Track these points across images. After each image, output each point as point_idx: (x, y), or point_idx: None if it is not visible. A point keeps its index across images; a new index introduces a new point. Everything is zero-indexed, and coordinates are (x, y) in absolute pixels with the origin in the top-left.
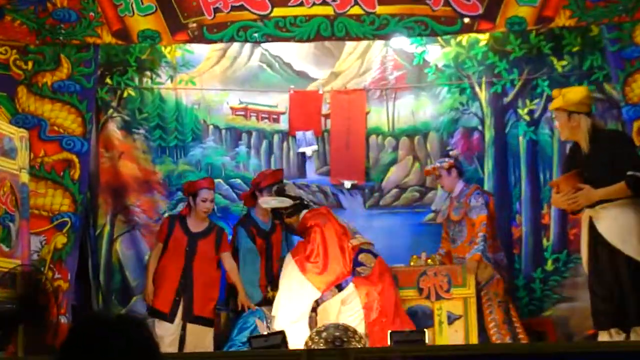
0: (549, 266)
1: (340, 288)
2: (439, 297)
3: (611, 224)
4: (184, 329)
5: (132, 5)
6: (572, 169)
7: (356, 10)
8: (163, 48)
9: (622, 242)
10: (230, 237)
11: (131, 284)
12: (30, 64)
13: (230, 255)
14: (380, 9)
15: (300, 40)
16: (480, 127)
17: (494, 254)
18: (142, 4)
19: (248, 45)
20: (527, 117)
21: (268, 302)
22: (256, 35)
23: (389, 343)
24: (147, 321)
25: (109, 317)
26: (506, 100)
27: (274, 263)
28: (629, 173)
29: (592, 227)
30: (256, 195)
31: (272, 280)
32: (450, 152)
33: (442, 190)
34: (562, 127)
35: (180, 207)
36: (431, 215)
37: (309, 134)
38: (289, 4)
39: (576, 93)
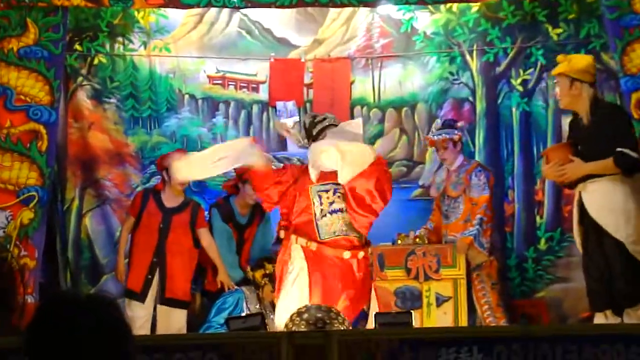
0: (542, 245)
1: None
2: (427, 278)
3: (596, 200)
4: (156, 310)
5: None
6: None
7: None
8: (136, 12)
9: (604, 219)
10: (207, 214)
11: (101, 262)
12: None
13: (207, 232)
14: None
15: (282, 6)
16: (471, 98)
17: (490, 237)
18: None
19: (226, 11)
20: (520, 88)
21: (248, 281)
22: None
23: (373, 325)
24: (117, 301)
25: (78, 296)
26: (498, 69)
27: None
28: (618, 149)
29: (581, 203)
30: (239, 187)
31: (251, 260)
32: (457, 124)
33: (444, 163)
34: (562, 94)
35: (155, 181)
36: (419, 190)
37: (290, 104)
38: None
39: (582, 60)
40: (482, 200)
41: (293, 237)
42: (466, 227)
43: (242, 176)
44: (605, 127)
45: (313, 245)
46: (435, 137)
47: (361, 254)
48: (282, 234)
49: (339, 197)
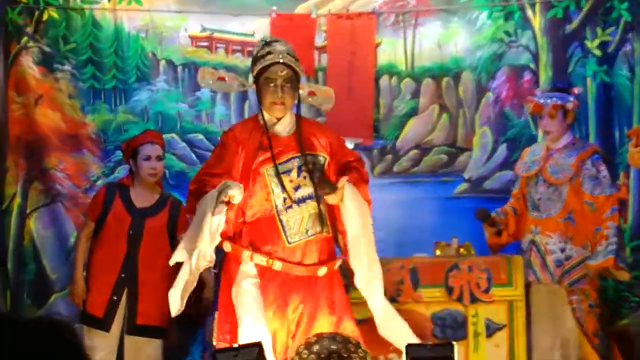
0: (628, 256)
1: None
2: (474, 300)
3: None
4: (122, 340)
5: None
6: None
7: None
8: None
9: None
10: None
11: (50, 276)
12: None
13: None
14: None
15: None
16: (532, 65)
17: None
18: None
19: None
20: (597, 52)
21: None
22: None
23: (404, 358)
24: (73, 326)
25: (21, 321)
26: (569, 28)
27: None
28: None
29: None
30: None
31: None
32: (574, 89)
33: (546, 138)
34: None
35: (121, 172)
36: (464, 185)
37: None
38: None
39: None
40: (611, 201)
41: (246, 252)
42: (568, 230)
43: None
44: None
45: (277, 265)
46: (542, 101)
47: (337, 263)
48: (227, 246)
49: (304, 177)
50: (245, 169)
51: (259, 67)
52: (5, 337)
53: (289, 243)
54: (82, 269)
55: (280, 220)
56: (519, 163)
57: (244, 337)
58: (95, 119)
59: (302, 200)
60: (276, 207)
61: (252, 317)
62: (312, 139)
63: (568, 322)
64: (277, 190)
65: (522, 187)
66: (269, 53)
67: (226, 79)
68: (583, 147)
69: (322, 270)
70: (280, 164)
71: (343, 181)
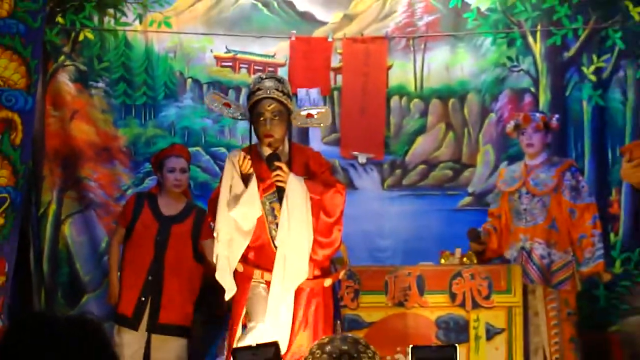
0: (617, 268)
1: None
2: (476, 306)
3: None
4: (150, 339)
5: None
6: None
7: None
8: None
9: None
10: None
11: (82, 279)
12: None
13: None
14: None
15: None
16: (533, 89)
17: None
18: None
19: None
20: (593, 78)
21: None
22: None
23: (410, 358)
24: (103, 325)
25: (54, 319)
26: (567, 55)
27: None
28: None
29: None
30: None
31: None
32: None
33: (526, 150)
34: None
35: (149, 183)
36: (468, 199)
37: (314, 92)
38: None
39: None
40: (592, 210)
41: (257, 271)
42: (551, 235)
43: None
44: None
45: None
46: (530, 113)
47: (322, 281)
48: (239, 267)
49: None
50: None
51: (249, 103)
52: (42, 334)
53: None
54: (117, 272)
55: (275, 247)
56: (499, 181)
57: (260, 336)
58: (126, 133)
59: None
60: (270, 232)
61: (262, 320)
62: (304, 166)
63: (543, 327)
64: (270, 217)
65: (504, 203)
66: (258, 89)
67: (231, 106)
68: (560, 162)
69: (328, 281)
70: (271, 193)
71: (285, 166)
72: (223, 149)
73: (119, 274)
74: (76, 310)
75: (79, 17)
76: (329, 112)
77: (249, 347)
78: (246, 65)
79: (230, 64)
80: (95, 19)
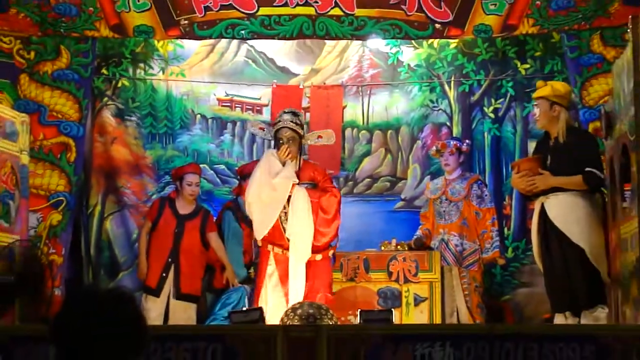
0: (509, 253)
1: None
2: (406, 281)
3: (561, 211)
4: (168, 304)
5: (128, 2)
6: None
7: (336, 11)
8: (156, 42)
9: (568, 228)
10: (215, 219)
11: (119, 260)
12: (32, 53)
13: (216, 235)
14: (358, 12)
15: (284, 38)
16: (448, 123)
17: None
18: (138, 1)
19: (235, 42)
20: (492, 115)
21: (251, 280)
22: (243, 32)
23: (358, 321)
24: (135, 295)
25: (100, 290)
26: (473, 98)
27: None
28: (587, 169)
29: (543, 214)
30: (242, 186)
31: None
32: (466, 141)
33: (445, 169)
34: (542, 115)
35: (168, 190)
36: (401, 203)
37: None
38: (274, 3)
39: (562, 87)
40: (492, 212)
41: (270, 246)
42: (463, 230)
43: (243, 175)
44: (577, 148)
45: (282, 252)
46: (446, 141)
47: (318, 256)
48: (259, 241)
49: None
50: None
51: (273, 130)
52: (90, 301)
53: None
54: (145, 255)
55: (284, 228)
56: (426, 191)
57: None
58: (152, 154)
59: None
60: (280, 218)
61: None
62: (309, 175)
63: (458, 296)
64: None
65: (431, 207)
66: (279, 121)
67: (264, 129)
68: (470, 176)
69: (319, 256)
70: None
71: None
72: (222, 166)
73: (146, 256)
74: (114, 283)
75: (118, 69)
76: (332, 133)
77: (241, 311)
78: (240, 105)
79: (228, 104)
80: (130, 70)
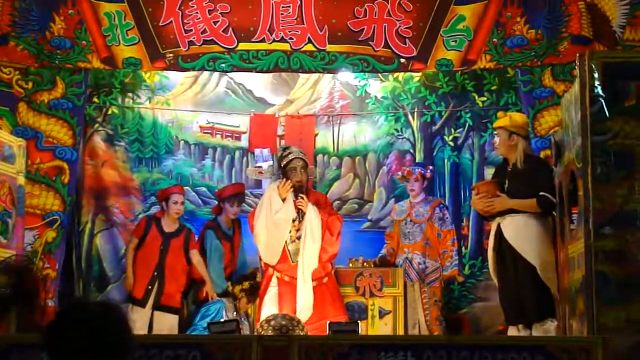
0: (467, 270)
1: None
2: (372, 295)
3: (515, 231)
4: (153, 315)
5: (118, 37)
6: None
7: (309, 47)
8: (144, 73)
9: (522, 247)
10: (197, 238)
11: (108, 274)
12: (30, 83)
13: (197, 252)
14: (329, 47)
15: (261, 71)
16: (412, 151)
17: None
18: (127, 35)
19: (216, 74)
20: (451, 143)
21: (228, 294)
22: (224, 65)
23: (327, 332)
24: (122, 306)
25: (90, 302)
26: (434, 128)
27: (235, 261)
28: (541, 193)
29: (499, 233)
30: (221, 206)
31: (234, 276)
32: (429, 168)
33: (410, 194)
34: (501, 144)
35: (154, 209)
36: (368, 223)
37: (266, 151)
38: (253, 39)
39: (520, 117)
40: (452, 234)
41: (270, 269)
42: (426, 249)
43: (222, 198)
44: (532, 174)
45: (286, 277)
46: (411, 168)
47: (325, 279)
48: (263, 264)
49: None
50: None
51: (285, 160)
52: (81, 312)
53: (293, 263)
54: (131, 269)
55: (288, 251)
56: (392, 213)
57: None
58: (139, 177)
59: (298, 238)
60: (285, 241)
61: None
62: (314, 198)
63: (419, 310)
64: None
65: (396, 228)
66: (290, 153)
67: (263, 172)
68: (433, 200)
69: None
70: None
71: (305, 197)
72: (204, 188)
73: (132, 270)
74: (103, 295)
75: (108, 98)
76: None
77: (219, 322)
78: (220, 133)
79: (209, 131)
80: (119, 99)
